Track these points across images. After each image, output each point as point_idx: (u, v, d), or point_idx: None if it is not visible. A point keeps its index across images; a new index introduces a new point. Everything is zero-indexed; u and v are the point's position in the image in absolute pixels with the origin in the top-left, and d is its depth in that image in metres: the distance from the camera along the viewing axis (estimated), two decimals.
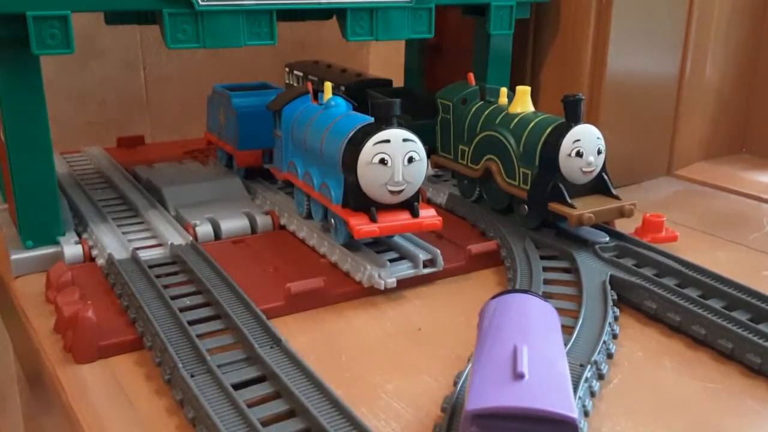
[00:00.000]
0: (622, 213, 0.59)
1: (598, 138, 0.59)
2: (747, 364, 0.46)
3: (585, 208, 0.58)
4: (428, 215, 0.55)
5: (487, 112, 0.67)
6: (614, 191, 0.61)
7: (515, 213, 0.64)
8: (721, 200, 0.82)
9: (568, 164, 0.59)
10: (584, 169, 0.59)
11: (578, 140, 0.58)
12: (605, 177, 0.61)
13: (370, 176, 0.52)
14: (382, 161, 0.52)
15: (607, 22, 0.76)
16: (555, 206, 0.59)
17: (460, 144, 0.70)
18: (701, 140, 0.93)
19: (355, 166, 0.52)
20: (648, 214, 0.65)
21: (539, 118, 0.62)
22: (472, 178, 0.70)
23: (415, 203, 0.54)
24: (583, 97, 0.59)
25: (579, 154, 0.58)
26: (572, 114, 0.59)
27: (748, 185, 0.84)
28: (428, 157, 0.77)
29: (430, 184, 0.78)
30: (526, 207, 0.62)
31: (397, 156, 0.52)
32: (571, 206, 0.58)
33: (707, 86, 0.90)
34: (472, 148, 0.68)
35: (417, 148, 0.53)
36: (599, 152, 0.59)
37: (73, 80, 1.03)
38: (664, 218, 0.65)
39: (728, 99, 0.94)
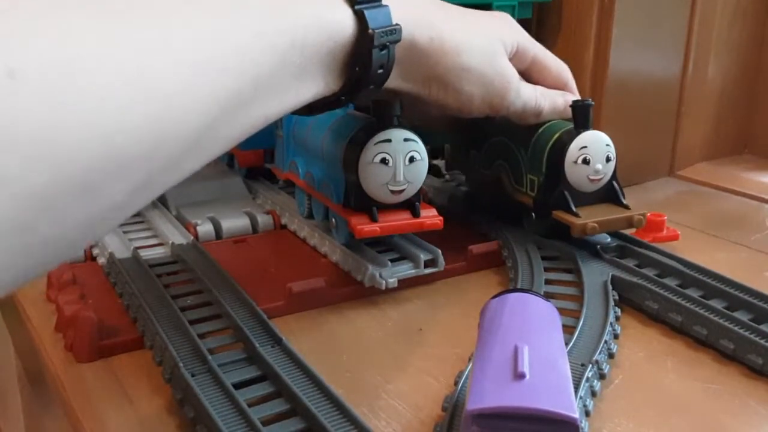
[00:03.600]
0: (631, 223, 0.57)
1: (607, 145, 0.57)
2: (749, 364, 0.45)
3: (590, 217, 0.56)
4: (429, 215, 0.54)
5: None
6: (624, 200, 0.59)
7: (523, 220, 0.63)
8: (723, 201, 0.81)
9: (574, 172, 0.57)
10: (591, 177, 0.57)
11: (585, 147, 0.57)
12: (616, 186, 0.59)
13: (371, 176, 0.52)
14: (384, 161, 0.52)
15: (609, 21, 0.76)
16: (559, 214, 0.57)
17: (472, 148, 0.69)
18: (703, 141, 0.93)
19: (357, 165, 0.52)
20: (649, 214, 0.65)
21: (548, 123, 0.60)
22: (483, 183, 0.68)
23: (417, 203, 0.54)
24: (593, 103, 0.57)
25: (586, 162, 0.57)
26: (581, 120, 0.57)
27: (751, 186, 0.84)
28: (442, 158, 0.77)
29: (434, 184, 0.78)
30: (533, 215, 0.61)
31: (398, 156, 0.52)
32: (576, 215, 0.57)
33: (710, 86, 0.89)
34: (483, 153, 0.67)
35: (418, 147, 0.53)
36: (608, 160, 0.57)
37: None
38: (665, 217, 0.65)
39: (731, 99, 0.93)
